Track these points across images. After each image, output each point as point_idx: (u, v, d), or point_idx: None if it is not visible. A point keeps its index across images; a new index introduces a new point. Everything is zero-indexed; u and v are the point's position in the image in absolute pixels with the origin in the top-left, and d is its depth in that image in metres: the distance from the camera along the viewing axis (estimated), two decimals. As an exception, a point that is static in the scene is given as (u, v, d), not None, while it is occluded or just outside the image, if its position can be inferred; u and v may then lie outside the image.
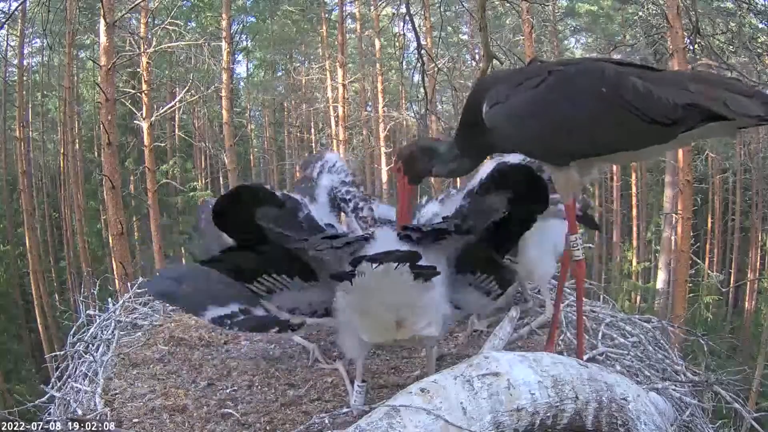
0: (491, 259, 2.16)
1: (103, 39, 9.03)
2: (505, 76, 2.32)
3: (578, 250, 2.25)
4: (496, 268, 2.15)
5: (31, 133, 18.96)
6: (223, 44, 14.53)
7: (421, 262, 1.81)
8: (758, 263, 19.51)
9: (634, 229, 20.78)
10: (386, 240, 2.05)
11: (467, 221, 2.16)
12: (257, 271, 2.11)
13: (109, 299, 3.53)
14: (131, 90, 15.26)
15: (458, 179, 3.53)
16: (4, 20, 11.57)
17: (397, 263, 1.76)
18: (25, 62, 17.30)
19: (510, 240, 2.26)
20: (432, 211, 2.83)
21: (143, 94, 13.81)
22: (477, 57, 19.07)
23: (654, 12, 12.15)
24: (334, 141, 18.54)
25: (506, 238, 2.21)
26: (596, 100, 2.01)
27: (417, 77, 6.95)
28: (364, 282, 1.81)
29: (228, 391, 2.49)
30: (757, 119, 1.89)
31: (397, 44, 18.50)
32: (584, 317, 3.11)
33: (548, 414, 1.75)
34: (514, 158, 2.62)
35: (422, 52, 5.95)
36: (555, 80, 2.08)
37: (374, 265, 1.75)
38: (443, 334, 2.31)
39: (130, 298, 3.56)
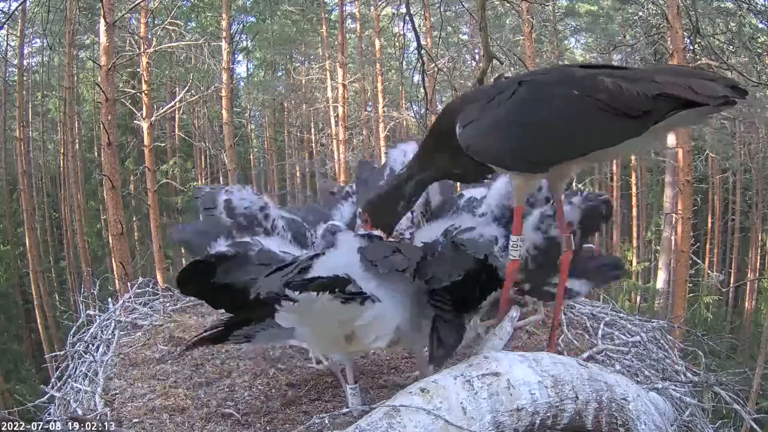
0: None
1: (103, 39, 9.04)
2: (474, 95, 2.37)
3: (516, 250, 2.29)
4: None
5: (31, 133, 18.98)
6: (223, 44, 14.54)
7: (354, 287, 1.77)
8: (758, 263, 19.52)
9: (634, 229, 20.79)
10: (343, 252, 2.03)
11: (429, 270, 2.05)
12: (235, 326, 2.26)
13: (109, 299, 3.52)
14: (131, 90, 15.27)
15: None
16: (4, 20, 11.56)
17: (318, 292, 1.72)
18: (25, 62, 17.34)
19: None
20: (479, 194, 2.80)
21: (143, 94, 13.81)
22: (477, 57, 19.08)
23: (654, 12, 12.16)
24: (334, 141, 18.55)
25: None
26: (569, 103, 2.04)
27: (417, 77, 6.94)
28: (295, 306, 1.79)
29: (228, 391, 2.49)
30: (723, 99, 1.94)
31: (397, 44, 18.52)
32: (584, 317, 3.12)
33: (548, 414, 1.75)
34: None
35: (422, 52, 5.93)
36: (526, 90, 2.11)
37: (298, 293, 1.72)
38: (421, 342, 2.29)
39: (130, 298, 3.55)
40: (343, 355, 2.19)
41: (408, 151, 2.89)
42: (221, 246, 2.39)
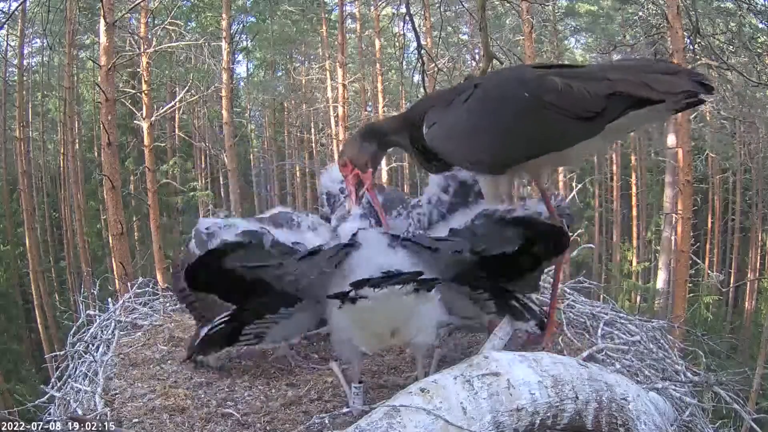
0: (496, 286, 2.19)
1: (103, 39, 9.03)
2: (439, 95, 2.40)
3: None
4: (499, 294, 2.19)
5: (31, 133, 18.98)
6: (223, 44, 14.54)
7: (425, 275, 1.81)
8: (758, 263, 19.53)
9: (634, 229, 20.79)
10: (373, 246, 2.04)
11: (480, 243, 2.08)
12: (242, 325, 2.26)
13: (109, 299, 3.52)
14: (131, 90, 15.27)
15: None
16: (4, 20, 11.56)
17: (401, 285, 1.75)
18: (25, 62, 17.33)
19: (518, 274, 2.23)
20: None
21: (143, 94, 13.82)
22: (477, 57, 19.07)
23: (654, 12, 12.16)
24: (334, 141, 18.54)
25: (514, 271, 2.19)
26: (519, 106, 2.02)
27: (417, 77, 6.95)
28: (364, 302, 1.81)
29: (228, 391, 2.49)
30: (684, 95, 1.86)
31: (397, 44, 18.54)
32: (584, 316, 3.12)
33: (548, 414, 1.74)
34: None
35: (422, 52, 5.93)
36: (481, 93, 2.11)
37: (376, 290, 1.75)
38: (435, 341, 2.32)
39: (130, 298, 3.55)
40: (354, 354, 2.20)
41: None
42: (228, 236, 2.32)
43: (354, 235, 2.13)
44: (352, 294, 1.78)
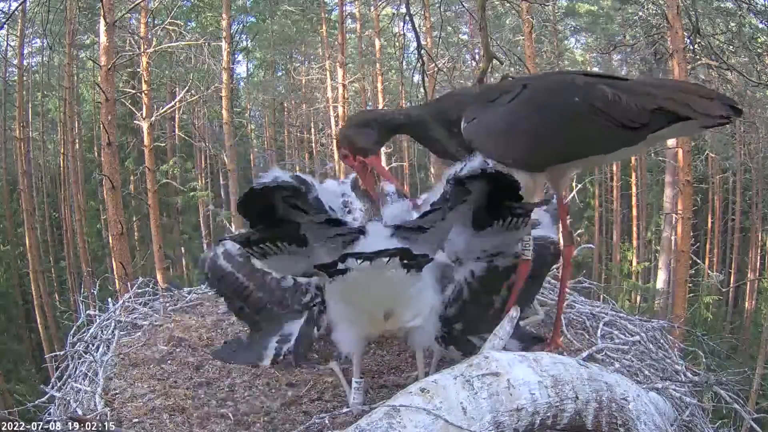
0: None
1: (103, 39, 9.03)
2: (480, 92, 2.45)
3: (528, 250, 2.35)
4: None
5: (31, 133, 18.95)
6: (223, 44, 14.54)
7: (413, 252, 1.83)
8: (758, 263, 19.51)
9: (634, 229, 20.77)
10: (378, 235, 2.05)
11: (454, 201, 2.15)
12: (260, 240, 2.20)
13: (109, 299, 3.52)
14: (131, 90, 15.27)
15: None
16: (4, 20, 11.56)
17: (388, 259, 1.78)
18: (25, 62, 17.28)
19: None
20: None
21: (143, 94, 13.81)
22: (477, 57, 19.06)
23: (654, 12, 12.17)
24: (335, 141, 18.51)
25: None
26: (569, 109, 2.13)
27: (417, 77, 6.95)
28: (352, 277, 1.83)
29: (228, 391, 2.49)
30: (719, 119, 2.07)
31: (397, 44, 18.52)
32: (584, 316, 3.13)
33: (548, 414, 1.74)
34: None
35: (422, 52, 5.93)
36: (529, 93, 2.19)
37: (360, 262, 1.76)
38: (433, 337, 2.31)
39: (130, 298, 3.55)
40: (356, 345, 2.21)
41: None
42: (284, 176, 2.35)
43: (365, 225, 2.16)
44: (339, 266, 1.79)
